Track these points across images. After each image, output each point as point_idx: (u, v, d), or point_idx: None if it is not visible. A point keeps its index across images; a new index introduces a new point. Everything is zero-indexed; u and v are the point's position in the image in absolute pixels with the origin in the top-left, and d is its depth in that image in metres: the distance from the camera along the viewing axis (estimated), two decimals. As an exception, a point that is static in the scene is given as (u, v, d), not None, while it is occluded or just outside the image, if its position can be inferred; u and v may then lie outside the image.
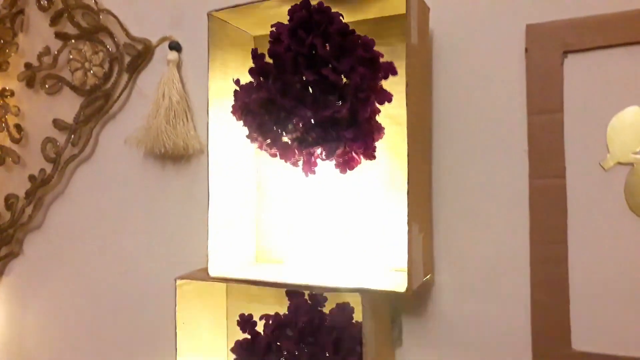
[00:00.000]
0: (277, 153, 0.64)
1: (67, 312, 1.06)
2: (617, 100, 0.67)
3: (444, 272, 0.75)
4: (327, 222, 0.74)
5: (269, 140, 0.65)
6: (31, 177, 1.06)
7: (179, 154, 0.91)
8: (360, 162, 0.68)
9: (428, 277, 0.72)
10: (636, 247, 0.66)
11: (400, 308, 0.77)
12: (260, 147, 0.68)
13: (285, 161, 0.66)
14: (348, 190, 0.74)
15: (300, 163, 0.67)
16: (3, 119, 1.10)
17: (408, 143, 0.63)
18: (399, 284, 0.65)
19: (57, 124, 1.04)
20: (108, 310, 1.01)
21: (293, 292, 0.70)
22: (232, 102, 0.68)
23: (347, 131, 0.61)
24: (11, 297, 1.13)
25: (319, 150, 0.65)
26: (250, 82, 0.65)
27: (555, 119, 0.69)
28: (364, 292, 0.65)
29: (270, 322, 0.67)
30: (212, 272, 0.73)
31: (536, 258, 0.70)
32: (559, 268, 0.69)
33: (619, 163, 0.67)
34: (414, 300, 0.76)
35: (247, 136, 0.68)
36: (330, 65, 0.60)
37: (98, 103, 1.01)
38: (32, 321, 1.11)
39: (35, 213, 1.08)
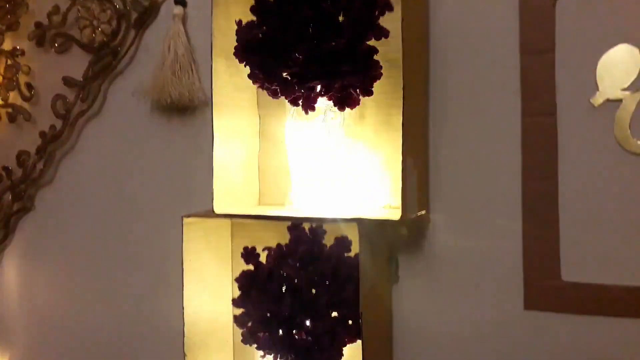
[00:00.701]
0: (278, 89, 0.67)
1: (78, 266, 1.10)
2: (607, 38, 0.69)
3: (439, 210, 0.78)
4: (326, 164, 0.77)
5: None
6: (42, 134, 1.10)
7: (184, 105, 0.94)
8: (359, 103, 0.71)
9: (423, 212, 0.75)
10: (624, 181, 0.68)
11: (397, 246, 0.80)
12: (262, 86, 0.71)
13: (286, 97, 0.69)
14: (345, 132, 0.77)
15: (301, 101, 0.70)
16: (14, 78, 1.13)
17: (404, 78, 0.66)
18: (394, 214, 0.68)
19: (67, 81, 1.07)
20: (118, 260, 1.05)
21: (294, 227, 0.73)
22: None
23: (345, 65, 0.63)
24: (24, 252, 1.17)
25: (318, 88, 0.68)
26: (252, 20, 0.68)
27: (547, 58, 0.71)
28: (360, 222, 0.68)
29: (272, 252, 0.71)
30: (217, 210, 0.77)
31: (528, 193, 0.73)
32: (550, 202, 0.72)
33: (609, 100, 0.69)
34: (410, 238, 0.79)
35: (249, 75, 0.71)
36: (328, 1, 0.63)
37: (106, 60, 1.04)
38: (44, 275, 1.15)
39: (46, 169, 1.11)
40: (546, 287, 0.72)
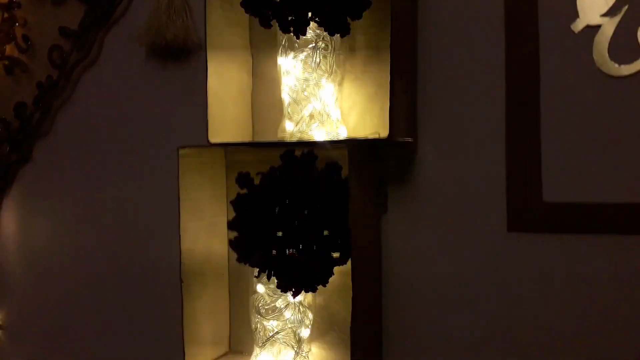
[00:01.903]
0: (269, 14, 0.70)
1: (76, 213, 1.12)
2: (587, -34, 0.72)
3: (427, 142, 0.80)
4: (317, 96, 0.80)
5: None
6: (39, 84, 1.11)
7: (178, 49, 0.96)
8: (349, 30, 0.73)
9: (410, 139, 0.78)
10: (603, 103, 0.71)
11: (385, 177, 0.82)
12: (254, 13, 0.73)
13: (278, 23, 0.71)
14: (335, 64, 0.79)
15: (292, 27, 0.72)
16: (11, 31, 1.15)
17: (392, 8, 0.69)
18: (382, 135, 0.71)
19: (63, 31, 1.09)
20: (116, 205, 1.07)
21: (286, 154, 0.75)
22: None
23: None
24: (22, 202, 1.19)
25: (309, 14, 0.71)
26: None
27: (530, -13, 0.74)
28: (349, 143, 0.71)
29: (265, 175, 0.73)
30: (212, 140, 0.79)
31: (511, 119, 0.75)
32: (532, 127, 0.74)
33: (588, 26, 0.72)
34: (398, 169, 0.82)
35: (242, 3, 0.73)
36: None
37: (101, 9, 1.06)
38: (42, 224, 1.17)
39: (44, 119, 1.13)
40: (528, 209, 0.75)
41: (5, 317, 1.22)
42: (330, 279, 0.82)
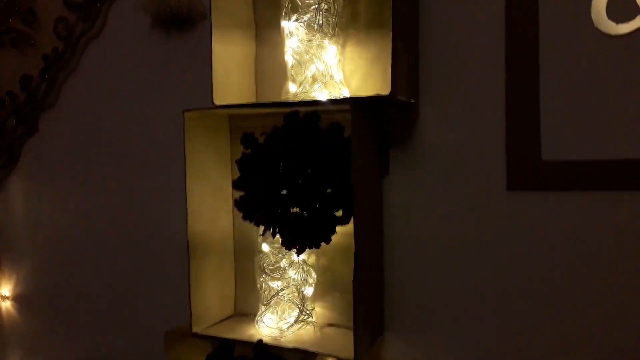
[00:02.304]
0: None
1: (83, 182, 1.14)
2: None
3: (428, 104, 0.82)
4: (320, 59, 0.81)
5: None
6: (44, 56, 1.13)
7: (183, 18, 0.97)
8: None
9: (412, 100, 0.79)
10: (601, 61, 0.72)
11: (387, 139, 0.84)
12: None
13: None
14: (338, 28, 0.81)
15: None
16: (16, 3, 1.16)
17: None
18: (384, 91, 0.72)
19: (68, 3, 1.10)
20: (122, 173, 1.09)
21: (290, 115, 0.76)
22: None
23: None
24: (29, 173, 1.21)
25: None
26: None
27: (529, -53, 0.75)
28: (352, 101, 0.72)
29: (269, 134, 0.75)
30: (217, 102, 0.81)
31: (511, 80, 0.77)
32: (531, 87, 0.76)
33: (587, -16, 0.73)
34: (400, 131, 0.83)
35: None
36: None
37: (106, -20, 1.07)
38: (49, 194, 1.19)
39: (49, 91, 1.15)
40: (527, 168, 0.76)
41: (15, 287, 1.25)
42: (333, 242, 0.84)
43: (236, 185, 0.78)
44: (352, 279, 0.72)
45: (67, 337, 1.18)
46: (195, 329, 0.85)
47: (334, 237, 0.83)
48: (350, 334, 0.74)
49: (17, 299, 1.24)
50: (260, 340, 0.79)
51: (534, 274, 0.76)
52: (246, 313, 0.94)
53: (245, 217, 0.77)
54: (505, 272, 0.78)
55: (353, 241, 0.71)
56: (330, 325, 0.87)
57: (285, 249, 0.78)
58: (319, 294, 0.87)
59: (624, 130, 0.71)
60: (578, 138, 0.74)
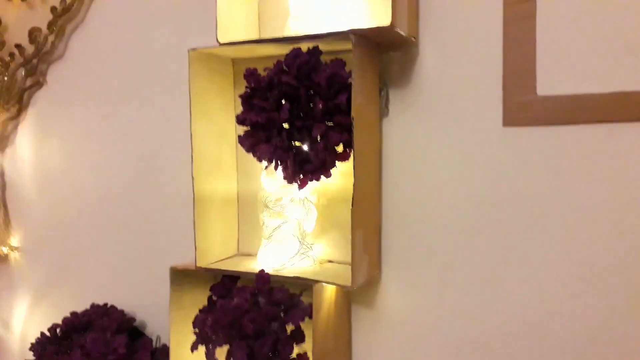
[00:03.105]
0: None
1: (91, 135, 1.17)
2: None
3: (428, 43, 0.83)
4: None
5: None
6: (52, 9, 1.15)
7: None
8: None
9: (413, 38, 0.81)
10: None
11: (387, 78, 0.86)
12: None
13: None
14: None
15: None
16: (24, -43, 1.18)
17: None
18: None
19: (75, -45, 1.12)
20: (126, 124, 1.11)
21: (292, 50, 0.78)
22: None
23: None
24: (37, 126, 1.24)
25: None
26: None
27: None
28: (353, 33, 0.74)
29: (272, 67, 0.77)
30: (221, 40, 0.83)
31: (508, 17, 0.78)
32: (528, 24, 0.77)
33: None
34: (400, 72, 0.85)
35: None
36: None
37: None
38: (57, 146, 1.22)
39: (57, 43, 1.17)
40: (523, 103, 0.78)
41: (22, 238, 1.28)
42: (334, 183, 0.87)
43: (239, 120, 0.80)
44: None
45: (74, 285, 1.21)
46: (199, 264, 0.88)
47: (335, 178, 0.86)
48: (349, 269, 0.77)
49: (24, 249, 1.27)
50: (262, 270, 0.81)
51: (530, 207, 0.78)
52: (248, 253, 0.97)
53: (248, 150, 0.79)
54: (502, 207, 0.80)
55: (353, 180, 0.74)
56: (330, 262, 0.90)
57: (287, 182, 0.80)
58: (319, 232, 0.90)
59: (617, 63, 0.73)
60: (573, 72, 0.75)
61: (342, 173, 0.85)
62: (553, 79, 0.76)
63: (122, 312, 1.06)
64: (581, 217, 0.75)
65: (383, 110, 0.87)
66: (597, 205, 0.75)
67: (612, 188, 0.74)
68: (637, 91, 0.72)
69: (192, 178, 0.87)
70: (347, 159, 0.79)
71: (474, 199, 0.82)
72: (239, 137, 0.81)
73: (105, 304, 1.07)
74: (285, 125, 0.77)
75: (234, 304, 0.79)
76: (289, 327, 0.80)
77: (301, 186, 0.80)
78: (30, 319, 1.27)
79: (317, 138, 0.76)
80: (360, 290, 0.89)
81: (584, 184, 0.75)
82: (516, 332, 0.79)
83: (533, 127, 0.78)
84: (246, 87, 0.79)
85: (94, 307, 1.06)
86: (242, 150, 0.94)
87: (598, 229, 0.75)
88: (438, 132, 0.84)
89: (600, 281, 0.75)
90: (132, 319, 1.07)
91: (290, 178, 0.79)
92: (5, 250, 1.29)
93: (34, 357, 0.98)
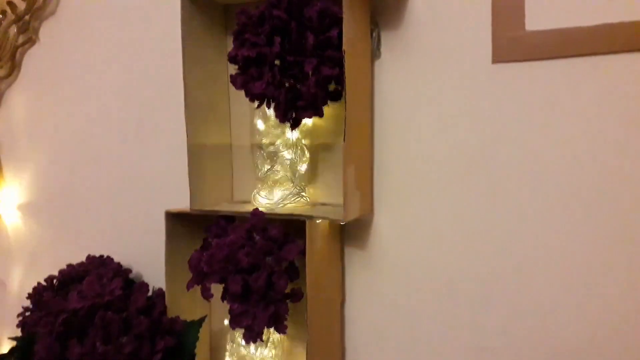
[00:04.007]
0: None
1: (83, 93, 1.17)
2: None
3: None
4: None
5: None
6: (44, -36, 1.15)
7: None
8: None
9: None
10: None
11: (379, 19, 0.86)
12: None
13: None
14: None
15: None
16: None
17: None
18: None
19: None
20: (121, 77, 1.12)
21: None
22: None
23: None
24: (30, 84, 1.24)
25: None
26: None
27: None
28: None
29: (263, 3, 0.77)
30: (212, -20, 0.83)
31: (497, -46, 0.79)
32: (517, -41, 0.78)
33: None
34: (390, 11, 0.86)
35: None
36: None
37: None
38: (50, 105, 1.22)
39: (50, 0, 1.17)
40: (512, 39, 0.79)
41: (20, 197, 1.28)
42: (326, 127, 0.88)
43: (231, 56, 0.81)
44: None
45: (70, 242, 1.22)
46: (193, 207, 0.89)
47: (327, 121, 0.87)
48: (342, 209, 0.78)
49: (20, 207, 1.28)
50: (257, 209, 0.82)
51: (521, 142, 0.79)
52: (243, 201, 0.98)
53: (239, 88, 0.80)
54: (493, 143, 0.81)
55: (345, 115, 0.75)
56: (323, 204, 0.91)
57: (279, 121, 0.81)
58: (311, 176, 0.91)
59: (604, -4, 0.74)
60: (560, 6, 0.76)
61: (335, 116, 0.86)
62: (541, 14, 0.77)
63: (118, 263, 1.07)
64: (572, 150, 0.77)
65: (375, 52, 0.88)
66: (587, 135, 0.76)
67: (601, 116, 0.75)
68: (621, 22, 0.73)
69: (186, 125, 0.88)
70: (339, 99, 0.80)
71: (466, 136, 0.83)
72: (231, 76, 0.82)
73: (102, 256, 1.08)
74: (277, 62, 0.78)
75: (229, 239, 0.80)
76: (283, 265, 0.82)
77: (293, 125, 0.81)
78: (27, 277, 1.28)
79: (308, 73, 0.77)
80: (352, 229, 0.90)
81: (572, 117, 0.76)
82: (509, 267, 0.81)
83: (522, 63, 0.79)
84: (237, 23, 0.80)
85: (90, 258, 1.07)
86: (235, 97, 0.96)
87: (590, 162, 0.76)
88: (429, 72, 0.84)
89: (592, 212, 0.76)
90: (129, 270, 1.08)
91: (282, 116, 0.80)
92: (1, 209, 1.29)
93: (30, 304, 0.99)
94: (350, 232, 0.91)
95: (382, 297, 0.90)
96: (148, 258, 1.10)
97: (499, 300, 0.81)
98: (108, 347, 0.81)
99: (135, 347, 0.83)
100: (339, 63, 0.76)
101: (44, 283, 1.03)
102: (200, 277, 0.82)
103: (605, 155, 0.75)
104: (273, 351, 0.90)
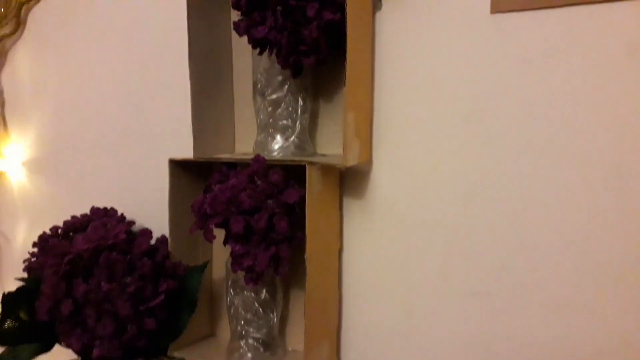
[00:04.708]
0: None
1: (90, 52, 1.19)
2: None
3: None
4: None
5: None
6: None
7: None
8: None
9: None
10: None
11: (381, -29, 0.88)
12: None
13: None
14: None
15: None
16: None
17: None
18: None
19: None
20: (124, 34, 1.13)
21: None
22: None
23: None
24: (35, 41, 1.25)
25: None
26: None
27: None
28: None
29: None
30: None
31: None
32: None
33: None
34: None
35: None
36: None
37: None
38: (56, 63, 1.23)
39: (54, -45, 1.18)
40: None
41: (24, 154, 1.30)
42: (325, 76, 0.90)
43: (234, 4, 0.82)
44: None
45: (75, 197, 1.24)
46: (196, 154, 0.91)
47: (327, 71, 0.89)
48: (342, 157, 0.80)
49: (25, 164, 1.30)
50: (258, 154, 0.84)
51: (519, 92, 0.81)
52: (245, 152, 1.00)
53: (242, 34, 0.82)
54: (491, 93, 0.82)
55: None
56: (323, 155, 0.93)
57: (281, 67, 0.83)
58: (312, 126, 0.93)
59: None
60: (559, -44, 0.78)
61: (336, 66, 0.87)
62: (540, -37, 0.79)
63: (122, 214, 1.09)
64: (571, 99, 0.78)
65: (377, 4, 0.89)
66: (587, 88, 0.77)
67: (603, 70, 0.76)
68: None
69: (189, 73, 0.90)
70: (341, 46, 0.81)
71: (464, 85, 0.84)
72: (234, 22, 0.84)
73: (105, 207, 1.10)
74: (279, 8, 0.80)
75: (232, 182, 0.83)
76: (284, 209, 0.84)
77: (295, 71, 0.83)
78: (32, 233, 1.30)
79: (311, 18, 0.78)
80: (350, 179, 0.92)
81: (571, 67, 0.77)
82: (505, 214, 0.83)
83: (520, 13, 0.81)
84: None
85: (94, 210, 1.09)
86: (238, 45, 0.97)
87: (590, 111, 0.77)
88: (428, 22, 0.86)
89: (591, 161, 0.77)
90: (132, 222, 1.10)
91: (283, 61, 0.81)
92: (5, 166, 1.31)
93: (36, 250, 1.01)
94: (349, 182, 0.93)
95: (378, 245, 0.92)
96: (151, 211, 1.12)
97: (493, 246, 0.84)
98: (112, 285, 0.83)
99: (139, 287, 0.86)
100: (342, 9, 0.77)
101: (49, 232, 1.05)
102: (204, 219, 0.84)
103: (606, 105, 0.76)
104: (273, 294, 0.92)
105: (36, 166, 1.29)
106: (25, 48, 1.26)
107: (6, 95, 1.30)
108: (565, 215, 0.79)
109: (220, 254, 1.02)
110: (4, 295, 0.87)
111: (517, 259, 0.82)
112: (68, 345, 0.86)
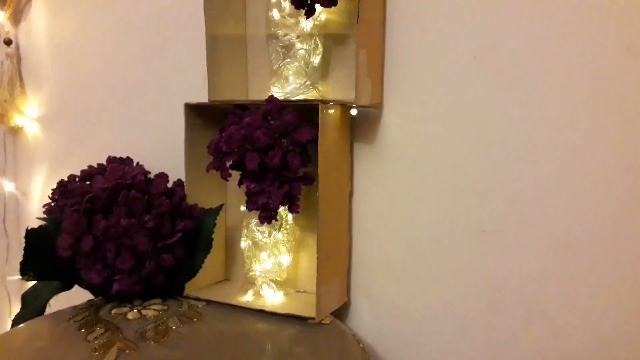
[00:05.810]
0: None
1: (103, 4, 1.21)
2: None
3: None
4: None
5: None
6: None
7: None
8: None
9: None
10: None
11: None
12: None
13: None
14: None
15: None
16: None
17: None
18: None
19: None
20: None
21: None
22: None
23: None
24: (49, 5, 1.27)
25: None
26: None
27: None
28: None
29: None
30: None
31: None
32: None
33: None
34: None
35: None
36: None
37: None
38: (70, 19, 1.25)
39: None
40: None
41: (39, 109, 1.33)
42: (340, 22, 0.91)
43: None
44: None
45: (91, 151, 1.27)
46: (211, 97, 0.94)
47: (340, 16, 0.90)
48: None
49: (40, 119, 1.33)
50: (272, 95, 0.87)
51: (528, 34, 0.82)
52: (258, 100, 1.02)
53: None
54: (501, 34, 0.84)
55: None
56: (335, 100, 0.95)
57: (295, 7, 0.85)
58: (323, 71, 0.95)
59: None
60: None
61: (348, 11, 0.89)
62: None
63: (138, 162, 1.12)
64: (580, 42, 0.79)
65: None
66: (597, 28, 0.78)
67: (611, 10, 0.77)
68: None
69: (205, 17, 0.91)
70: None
71: (474, 27, 0.85)
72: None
73: (121, 157, 1.13)
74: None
75: (246, 120, 0.85)
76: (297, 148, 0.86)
77: (308, 12, 0.85)
78: (48, 187, 1.34)
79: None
80: (361, 123, 0.94)
81: (580, 9, 0.79)
82: (514, 156, 0.84)
83: (530, -47, 0.82)
84: None
85: (110, 159, 1.12)
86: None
87: (598, 57, 0.78)
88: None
89: (600, 102, 0.79)
90: (148, 172, 1.13)
91: (297, 1, 0.83)
92: (22, 121, 1.34)
93: (56, 196, 1.04)
94: (360, 126, 0.95)
95: (387, 189, 0.94)
96: (167, 160, 1.15)
97: (501, 187, 0.85)
98: (132, 221, 0.86)
99: (157, 224, 0.88)
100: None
101: (66, 179, 1.08)
102: (220, 157, 0.86)
103: (614, 47, 0.76)
104: (286, 237, 0.95)
105: (52, 120, 1.32)
106: (41, 7, 1.28)
107: (22, 52, 1.33)
108: (573, 154, 0.80)
109: (234, 203, 1.04)
110: (27, 231, 0.90)
111: (525, 198, 0.84)
112: (89, 279, 0.89)
